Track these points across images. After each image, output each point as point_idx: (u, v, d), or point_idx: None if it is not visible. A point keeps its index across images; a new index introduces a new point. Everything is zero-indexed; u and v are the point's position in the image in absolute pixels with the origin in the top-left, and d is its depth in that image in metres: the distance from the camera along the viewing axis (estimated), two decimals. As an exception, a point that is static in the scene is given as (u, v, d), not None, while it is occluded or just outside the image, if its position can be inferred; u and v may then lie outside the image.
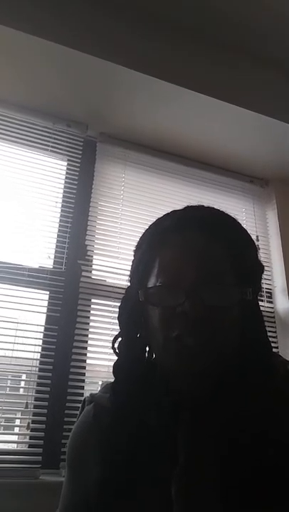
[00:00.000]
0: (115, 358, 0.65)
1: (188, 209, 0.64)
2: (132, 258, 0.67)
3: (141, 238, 0.66)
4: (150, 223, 0.66)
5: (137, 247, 0.67)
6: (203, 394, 0.55)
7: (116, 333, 0.66)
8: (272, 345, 2.25)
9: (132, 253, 0.68)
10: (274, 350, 2.16)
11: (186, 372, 0.55)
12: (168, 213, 0.65)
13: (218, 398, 0.55)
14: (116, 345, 0.65)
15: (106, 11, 1.82)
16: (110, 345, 0.66)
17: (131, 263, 0.67)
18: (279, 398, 0.55)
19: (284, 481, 0.50)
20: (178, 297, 0.54)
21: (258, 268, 0.64)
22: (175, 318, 0.55)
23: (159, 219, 0.65)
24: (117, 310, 0.67)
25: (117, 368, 0.64)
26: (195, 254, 0.57)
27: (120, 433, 0.57)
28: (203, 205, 0.65)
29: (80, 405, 0.69)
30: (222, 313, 0.55)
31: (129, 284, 0.67)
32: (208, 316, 0.53)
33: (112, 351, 0.66)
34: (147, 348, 0.64)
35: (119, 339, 0.65)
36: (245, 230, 0.64)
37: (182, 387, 0.56)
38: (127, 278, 0.67)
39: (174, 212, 0.64)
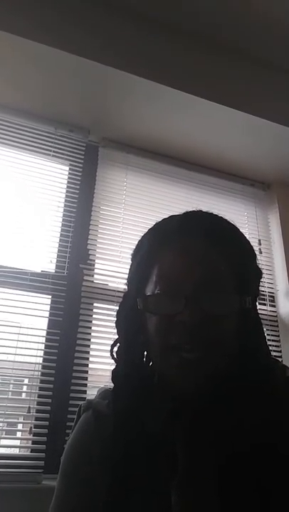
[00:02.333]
0: (116, 363, 0.65)
1: (188, 215, 0.64)
2: (130, 262, 0.67)
3: (139, 243, 0.66)
4: (150, 227, 0.66)
5: (134, 251, 0.66)
6: (202, 401, 0.55)
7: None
8: (275, 349, 2.22)
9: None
10: (277, 353, 2.12)
11: (186, 381, 0.55)
12: (166, 218, 0.64)
13: (216, 404, 0.54)
14: (114, 351, 0.64)
15: (107, 17, 1.83)
16: (113, 349, 0.65)
17: (129, 267, 0.67)
18: (277, 404, 0.55)
19: (283, 488, 0.49)
20: (177, 305, 0.54)
21: (257, 274, 0.64)
22: (174, 327, 0.55)
23: (157, 224, 0.65)
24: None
25: (115, 374, 0.63)
26: (194, 261, 0.57)
27: (121, 441, 0.57)
28: (202, 211, 0.64)
29: (80, 411, 0.69)
30: (221, 321, 0.55)
31: (126, 288, 0.66)
32: (207, 324, 0.53)
33: (114, 356, 0.65)
34: (146, 353, 0.64)
35: (118, 345, 0.65)
36: (244, 236, 0.63)
37: (182, 395, 0.56)
38: (125, 282, 0.67)
39: (172, 217, 0.64)
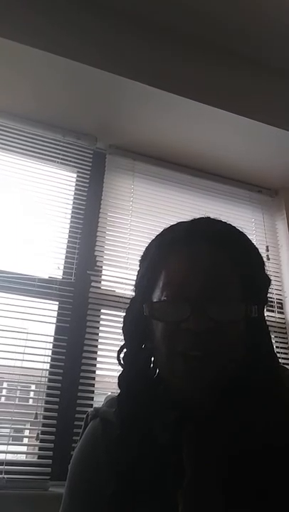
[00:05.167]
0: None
1: (195, 221, 0.63)
2: (138, 268, 0.67)
3: (146, 249, 0.66)
4: (157, 234, 0.66)
5: (142, 257, 0.66)
6: (208, 407, 0.55)
7: (125, 343, 0.66)
8: (284, 356, 2.19)
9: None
10: (285, 361, 2.09)
11: (191, 387, 0.54)
12: (174, 225, 0.64)
13: (222, 411, 0.54)
14: (121, 357, 0.64)
15: (114, 25, 1.85)
16: (119, 356, 0.65)
17: (136, 273, 0.67)
18: (284, 411, 0.55)
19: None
20: (183, 312, 0.54)
21: (265, 282, 0.63)
22: (180, 333, 0.54)
23: (165, 230, 0.65)
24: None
25: (121, 380, 0.63)
26: (201, 267, 0.57)
27: (126, 448, 0.57)
28: (209, 217, 0.64)
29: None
30: (227, 328, 0.55)
31: (134, 294, 0.66)
32: (212, 330, 0.53)
33: (121, 362, 0.65)
34: (152, 359, 0.63)
35: (124, 350, 0.64)
36: (252, 243, 0.63)
37: (188, 401, 0.56)
38: (132, 288, 0.67)
39: (180, 224, 0.64)
